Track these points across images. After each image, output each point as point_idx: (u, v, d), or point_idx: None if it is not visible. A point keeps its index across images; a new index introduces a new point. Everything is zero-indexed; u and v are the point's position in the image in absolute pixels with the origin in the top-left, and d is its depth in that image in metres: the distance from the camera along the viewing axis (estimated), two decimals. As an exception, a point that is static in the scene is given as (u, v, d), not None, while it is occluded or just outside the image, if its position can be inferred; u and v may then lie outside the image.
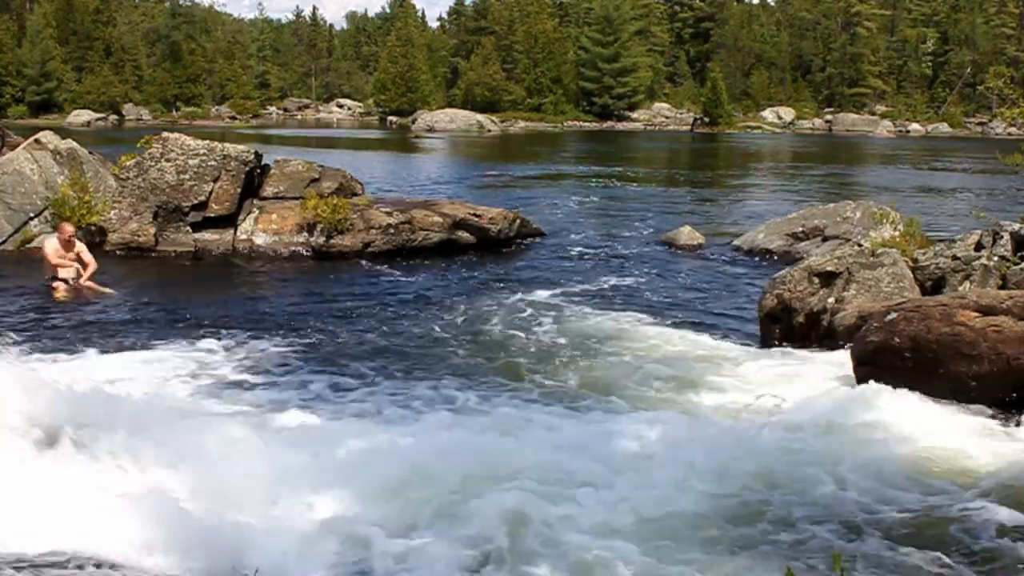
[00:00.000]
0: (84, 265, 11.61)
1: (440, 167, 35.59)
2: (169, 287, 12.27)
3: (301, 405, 7.47)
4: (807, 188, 27.91)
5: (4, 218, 13.87)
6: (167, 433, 6.19)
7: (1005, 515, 5.51)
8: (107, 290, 11.42)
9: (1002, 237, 9.47)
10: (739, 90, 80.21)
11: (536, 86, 75.52)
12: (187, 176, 14.06)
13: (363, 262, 13.73)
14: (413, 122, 68.44)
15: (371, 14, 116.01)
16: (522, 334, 9.76)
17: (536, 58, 76.00)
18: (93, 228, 13.84)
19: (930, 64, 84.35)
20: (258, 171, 14.94)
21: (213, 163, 14.16)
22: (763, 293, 9.97)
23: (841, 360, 7.95)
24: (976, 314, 6.97)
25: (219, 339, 9.34)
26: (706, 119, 71.96)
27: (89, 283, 11.50)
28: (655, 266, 14.12)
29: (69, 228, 11.84)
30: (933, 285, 9.28)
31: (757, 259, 14.73)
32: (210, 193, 14.07)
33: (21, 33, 70.42)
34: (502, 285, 12.35)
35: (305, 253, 14.10)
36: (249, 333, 9.61)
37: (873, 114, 77.64)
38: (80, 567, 4.64)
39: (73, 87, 69.80)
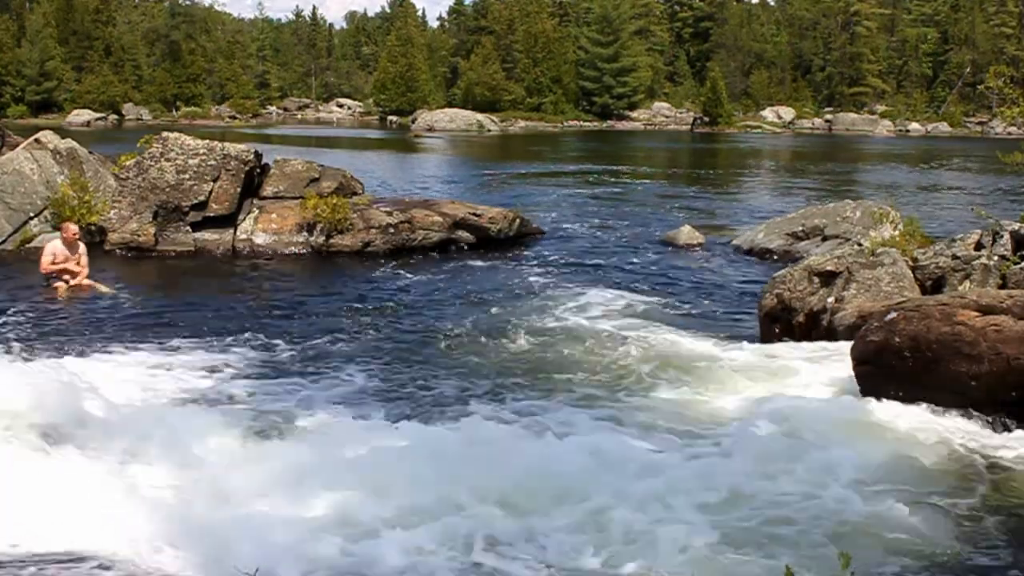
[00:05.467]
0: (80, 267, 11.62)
1: (440, 167, 35.60)
2: (169, 287, 12.28)
3: (301, 404, 7.48)
4: (807, 187, 27.91)
5: (4, 218, 13.87)
6: (167, 432, 6.20)
7: (1005, 516, 5.51)
8: (106, 289, 11.42)
9: (1002, 237, 9.46)
10: (739, 90, 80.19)
11: (536, 86, 75.48)
12: (187, 176, 14.05)
13: (363, 262, 13.73)
14: (413, 122, 68.45)
15: (371, 14, 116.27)
16: (521, 334, 9.75)
17: (536, 58, 75.95)
18: (93, 228, 13.85)
19: (930, 64, 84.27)
20: (258, 171, 14.94)
21: (213, 163, 14.16)
22: (763, 292, 9.97)
23: (841, 360, 7.94)
24: (976, 314, 6.96)
25: (218, 338, 9.34)
26: (706, 119, 71.94)
27: (89, 282, 11.51)
28: (655, 265, 14.10)
29: (73, 227, 11.86)
30: (933, 285, 9.27)
31: (757, 259, 14.72)
32: (210, 193, 14.06)
33: (21, 33, 70.45)
34: (501, 285, 12.34)
35: (305, 253, 14.09)
36: (248, 333, 9.61)
37: (873, 114, 77.58)
38: (81, 566, 4.64)
39: (73, 87, 69.80)
